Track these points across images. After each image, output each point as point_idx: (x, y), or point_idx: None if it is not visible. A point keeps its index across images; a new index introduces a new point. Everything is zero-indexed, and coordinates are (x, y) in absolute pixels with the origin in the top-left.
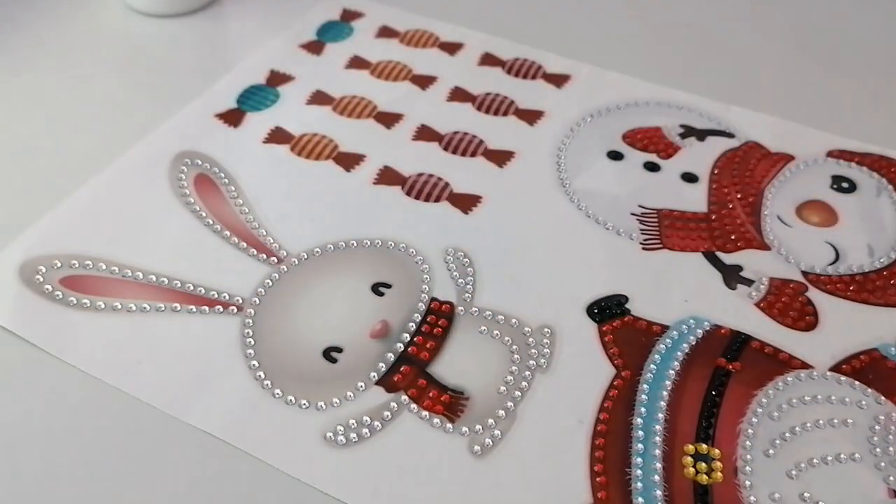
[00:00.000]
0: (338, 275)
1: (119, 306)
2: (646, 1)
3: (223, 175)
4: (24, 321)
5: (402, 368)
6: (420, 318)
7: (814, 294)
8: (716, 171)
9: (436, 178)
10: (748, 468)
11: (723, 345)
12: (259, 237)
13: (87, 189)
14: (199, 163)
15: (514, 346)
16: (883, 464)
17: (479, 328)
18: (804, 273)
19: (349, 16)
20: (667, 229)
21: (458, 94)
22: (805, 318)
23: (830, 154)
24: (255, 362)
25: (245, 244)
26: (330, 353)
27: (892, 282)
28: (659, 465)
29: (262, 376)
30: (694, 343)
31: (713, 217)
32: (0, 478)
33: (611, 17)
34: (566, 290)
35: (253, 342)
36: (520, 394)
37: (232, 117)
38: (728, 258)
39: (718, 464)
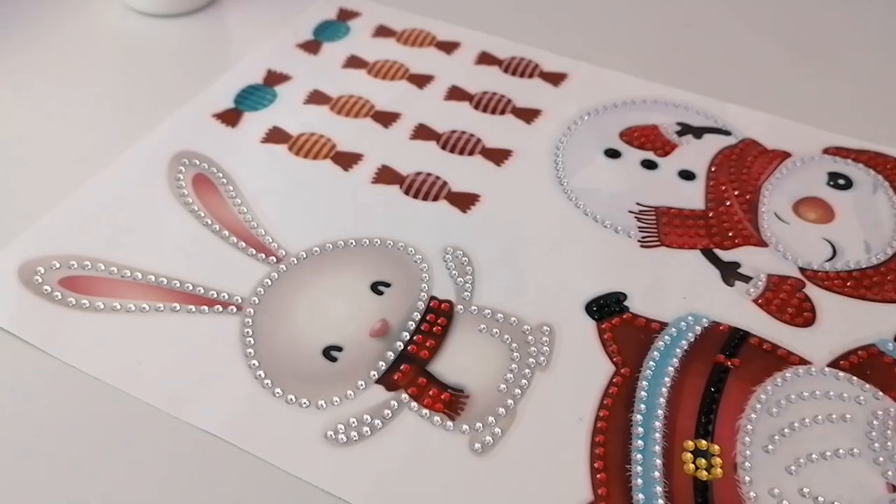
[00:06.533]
0: (337, 274)
1: (118, 306)
2: None
3: (221, 175)
4: (23, 322)
5: (402, 367)
6: (419, 316)
7: (811, 290)
8: (713, 169)
9: (434, 177)
10: (747, 464)
11: (721, 341)
12: (258, 237)
13: (86, 189)
14: (197, 163)
15: (514, 345)
16: (881, 459)
17: (479, 326)
18: (801, 269)
19: (346, 15)
20: (665, 227)
21: (456, 93)
22: (803, 315)
23: (826, 151)
24: (254, 361)
25: (244, 244)
26: (330, 352)
27: (888, 278)
28: (659, 462)
29: (262, 375)
30: (692, 340)
31: (711, 214)
32: (0, 478)
33: (607, 15)
34: (565, 288)
35: (253, 341)
36: (520, 392)
37: (229, 117)
38: (726, 255)
39: (718, 460)
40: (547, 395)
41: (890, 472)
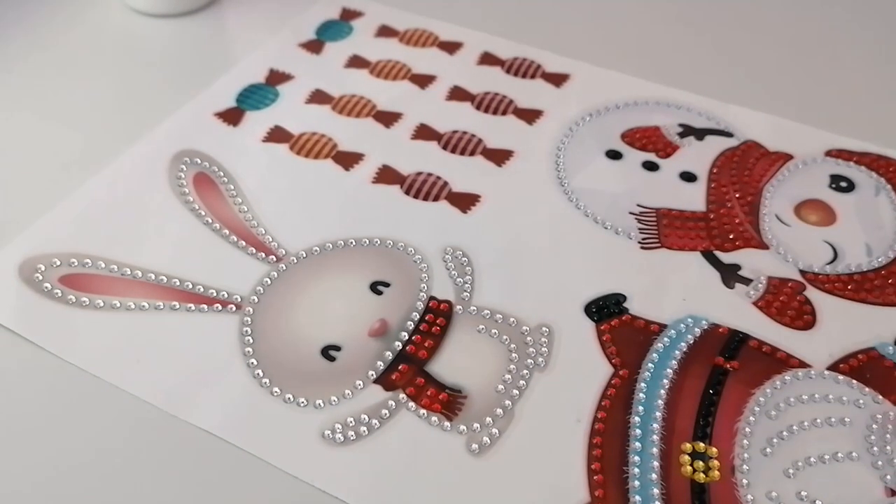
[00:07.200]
0: (336, 273)
1: (118, 304)
2: (645, 0)
3: (222, 174)
4: (23, 319)
5: (400, 367)
6: (418, 316)
7: (812, 293)
8: (714, 171)
9: (435, 177)
10: (745, 467)
11: (721, 343)
12: (258, 236)
13: (87, 188)
14: (199, 161)
15: (513, 345)
16: (880, 462)
17: (478, 327)
18: (802, 272)
19: (348, 15)
20: (665, 228)
21: (457, 94)
22: (803, 317)
23: (829, 153)
24: (253, 360)
25: (244, 243)
26: (328, 352)
27: (889, 281)
28: (656, 464)
29: (261, 374)
30: (692, 342)
31: (712, 216)
32: None
33: (609, 16)
34: (564, 289)
35: (251, 340)
36: (518, 392)
37: (231, 116)
38: (726, 257)
39: (716, 462)
40: (545, 396)
41: (888, 476)
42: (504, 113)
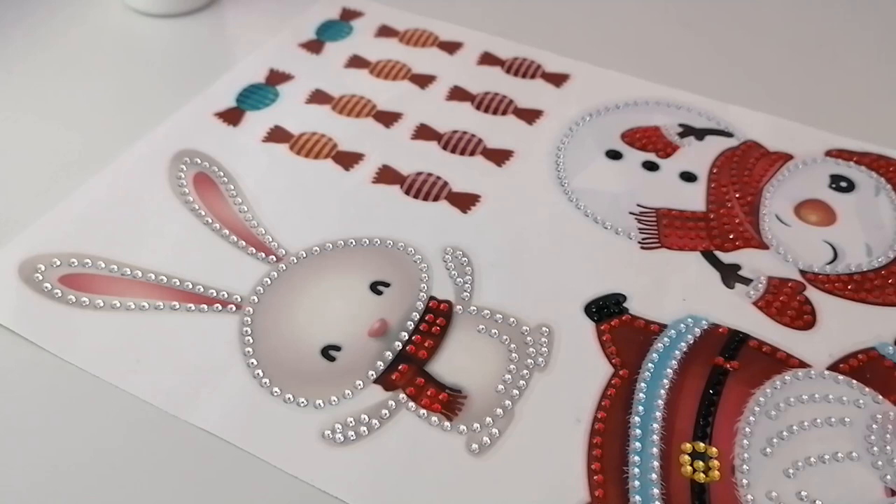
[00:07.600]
0: (336, 273)
1: (118, 304)
2: (645, 0)
3: (222, 174)
4: (23, 319)
5: (400, 367)
6: (418, 316)
7: (812, 293)
8: (714, 171)
9: (435, 177)
10: (745, 467)
11: (721, 343)
12: (258, 236)
13: (87, 188)
14: (199, 161)
15: (512, 345)
16: (880, 462)
17: (478, 327)
18: (802, 272)
19: (349, 15)
20: (665, 228)
21: (458, 94)
22: (803, 317)
23: (829, 153)
24: (253, 360)
25: (244, 243)
26: (328, 352)
27: (889, 281)
28: (656, 464)
29: (261, 374)
30: (692, 342)
31: (712, 216)
32: None
33: (610, 16)
34: (564, 289)
35: (251, 340)
36: (518, 392)
37: (231, 116)
38: (726, 257)
39: (716, 462)
40: (545, 396)
41: (888, 476)
42: (504, 113)
